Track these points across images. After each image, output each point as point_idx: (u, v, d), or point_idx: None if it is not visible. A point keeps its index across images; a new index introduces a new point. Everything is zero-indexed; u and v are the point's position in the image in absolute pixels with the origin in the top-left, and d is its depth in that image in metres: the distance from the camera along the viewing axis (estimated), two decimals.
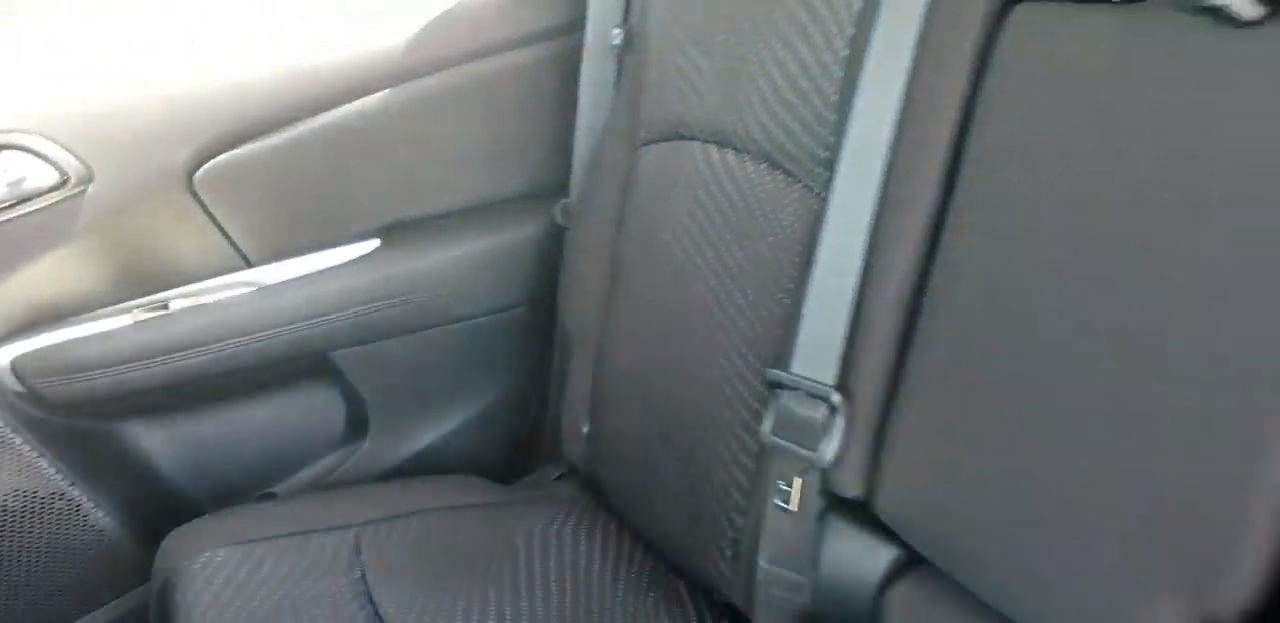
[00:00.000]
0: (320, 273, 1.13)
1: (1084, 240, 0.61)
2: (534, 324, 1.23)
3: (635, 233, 1.01)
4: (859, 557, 0.76)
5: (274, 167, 1.10)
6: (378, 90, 1.11)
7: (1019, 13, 0.67)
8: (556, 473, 1.19)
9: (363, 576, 0.96)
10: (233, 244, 1.13)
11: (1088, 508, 0.60)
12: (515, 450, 1.29)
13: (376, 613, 0.92)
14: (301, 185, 1.13)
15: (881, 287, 0.74)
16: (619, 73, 1.09)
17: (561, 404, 1.16)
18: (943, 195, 0.71)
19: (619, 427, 1.04)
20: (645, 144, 1.00)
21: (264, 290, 1.12)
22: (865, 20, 0.77)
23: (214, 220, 1.11)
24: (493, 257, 1.19)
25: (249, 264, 1.14)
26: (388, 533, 1.02)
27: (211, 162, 1.08)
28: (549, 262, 1.19)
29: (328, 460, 1.22)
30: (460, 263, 1.17)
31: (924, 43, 0.73)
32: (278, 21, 1.12)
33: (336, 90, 1.11)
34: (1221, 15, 0.55)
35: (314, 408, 1.19)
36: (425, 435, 1.22)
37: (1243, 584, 0.53)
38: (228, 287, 1.13)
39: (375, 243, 1.16)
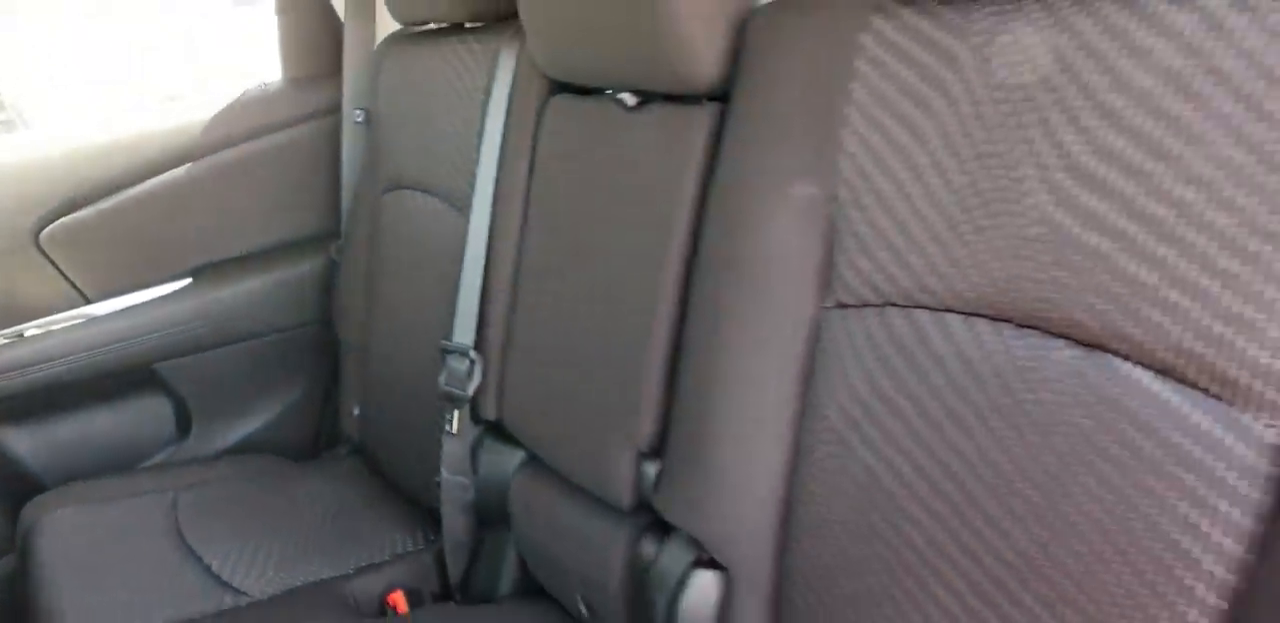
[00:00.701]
0: (144, 303, 1.48)
1: (566, 235, 1.02)
2: (321, 338, 1.59)
3: (384, 261, 1.38)
4: (501, 461, 1.13)
5: (104, 224, 1.45)
6: (185, 162, 1.47)
7: (554, 102, 1.07)
8: (345, 450, 1.54)
9: (178, 524, 1.29)
10: (74, 286, 1.47)
11: (588, 391, 0.98)
12: (316, 437, 1.62)
13: (189, 549, 1.24)
14: (127, 238, 1.47)
15: (496, 277, 1.12)
16: (366, 143, 1.48)
17: (340, 397, 1.51)
18: (523, 214, 1.10)
19: (379, 405, 1.40)
20: (384, 193, 1.38)
21: (99, 318, 1.46)
22: (486, 93, 1.17)
23: (58, 269, 1.45)
24: (284, 286, 1.55)
25: (87, 300, 1.48)
26: (200, 494, 1.35)
27: (54, 223, 1.42)
28: (328, 288, 1.55)
29: (159, 456, 1.54)
30: (256, 292, 1.53)
31: (509, 115, 1.12)
32: (100, 106, 1.47)
33: (152, 162, 1.47)
34: (621, 103, 0.95)
35: (146, 411, 1.52)
36: (239, 431, 1.56)
37: (649, 421, 0.91)
38: (70, 318, 1.46)
39: (188, 280, 1.51)
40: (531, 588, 1.14)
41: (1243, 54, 0.55)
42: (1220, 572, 0.55)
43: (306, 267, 1.56)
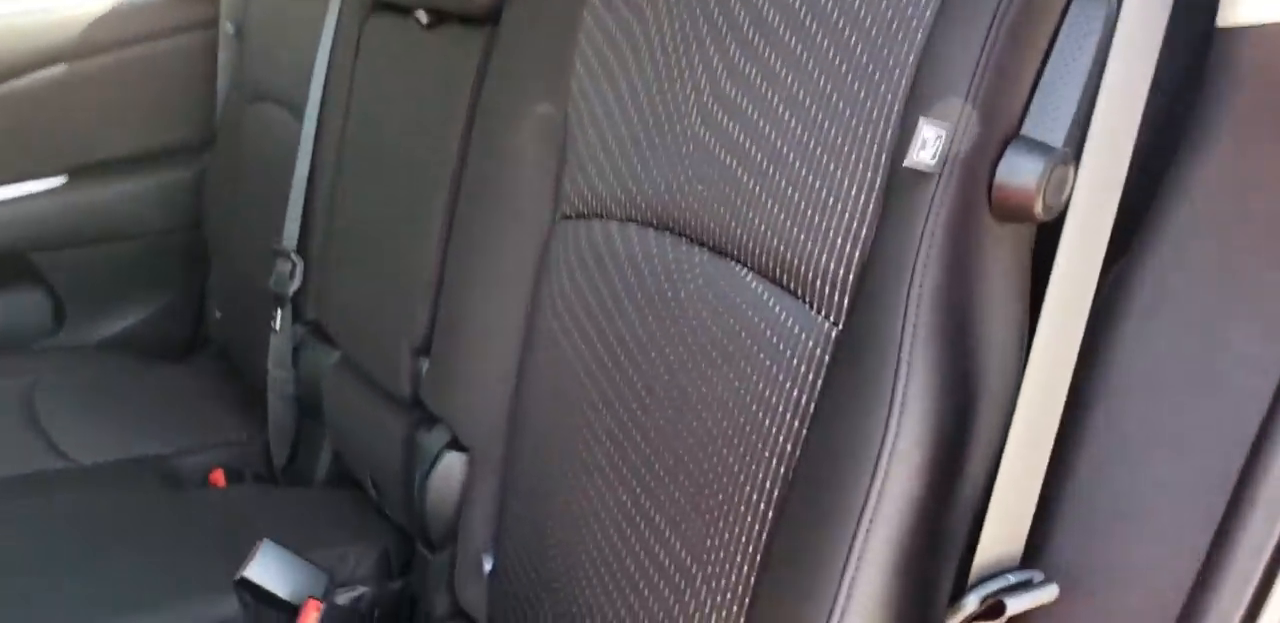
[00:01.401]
0: (20, 197, 1.54)
1: (374, 147, 1.10)
2: (193, 243, 1.66)
3: (242, 170, 1.45)
4: (319, 358, 1.22)
5: None
6: (59, 61, 1.53)
7: (372, 20, 1.14)
8: (210, 352, 1.63)
9: (32, 402, 1.37)
10: None
11: (384, 294, 1.07)
12: (185, 339, 1.71)
13: (36, 422, 1.33)
14: (5, 133, 1.53)
15: (319, 184, 1.20)
16: (237, 55, 1.53)
17: (206, 301, 1.60)
18: (344, 127, 1.17)
19: (233, 308, 1.48)
20: (249, 103, 1.44)
21: None
22: (324, 7, 1.23)
23: None
24: (158, 190, 1.62)
25: None
26: (61, 379, 1.44)
27: None
28: (199, 195, 1.62)
29: (33, 346, 1.62)
30: (130, 194, 1.60)
31: (337, 31, 1.19)
32: None
33: (24, 59, 1.51)
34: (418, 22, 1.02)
35: (22, 300, 1.60)
36: (111, 327, 1.64)
37: (423, 321, 1.01)
38: None
39: (64, 178, 1.58)
40: (343, 475, 1.25)
41: None
42: (783, 441, 0.64)
43: (180, 173, 1.63)
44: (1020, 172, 0.56)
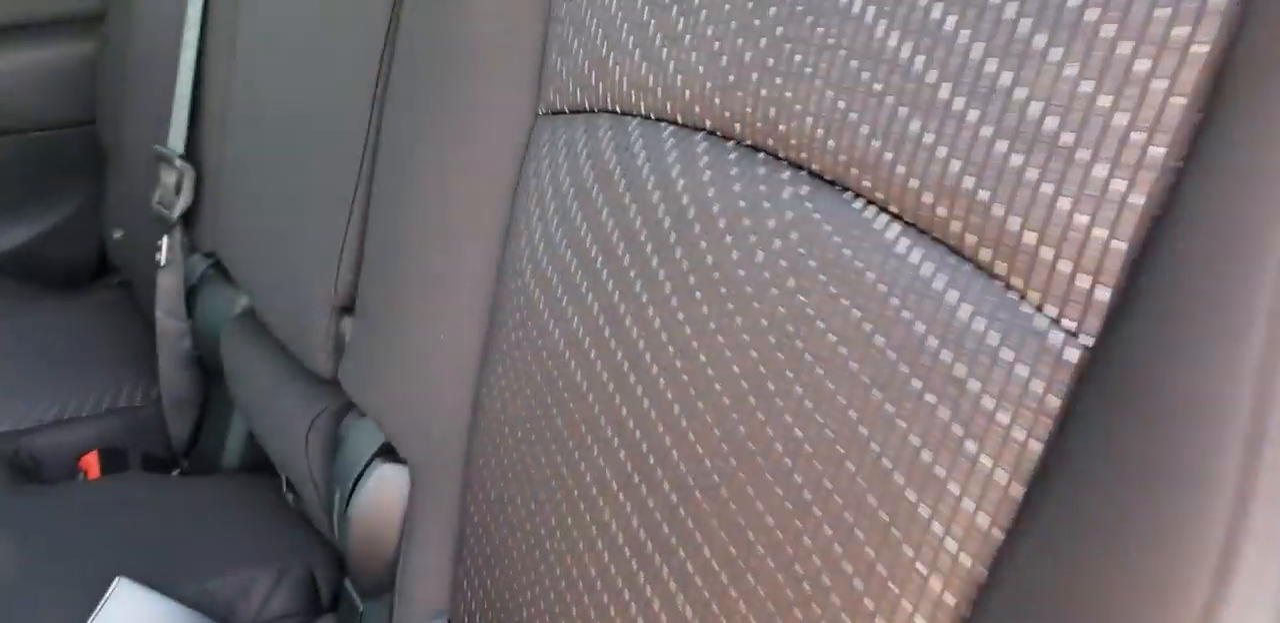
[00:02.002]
0: None
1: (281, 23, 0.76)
2: (94, 143, 1.31)
3: (134, 47, 1.09)
4: (221, 304, 0.89)
5: None
6: None
7: None
8: (115, 280, 1.30)
9: None
10: None
11: (297, 225, 0.74)
12: (89, 263, 1.38)
13: None
14: None
15: (213, 64, 0.85)
16: None
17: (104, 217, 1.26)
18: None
19: (133, 227, 1.14)
20: None
21: None
22: None
23: None
24: (47, 71, 1.25)
25: None
26: None
27: None
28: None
29: None
30: (11, 75, 1.23)
31: None
32: None
33: None
34: None
35: None
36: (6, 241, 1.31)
37: (348, 268, 0.68)
38: None
39: None
40: (261, 461, 0.94)
41: None
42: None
43: (73, 50, 1.25)
44: None
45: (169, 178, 0.88)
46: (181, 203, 0.86)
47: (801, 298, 0.37)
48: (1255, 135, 0.28)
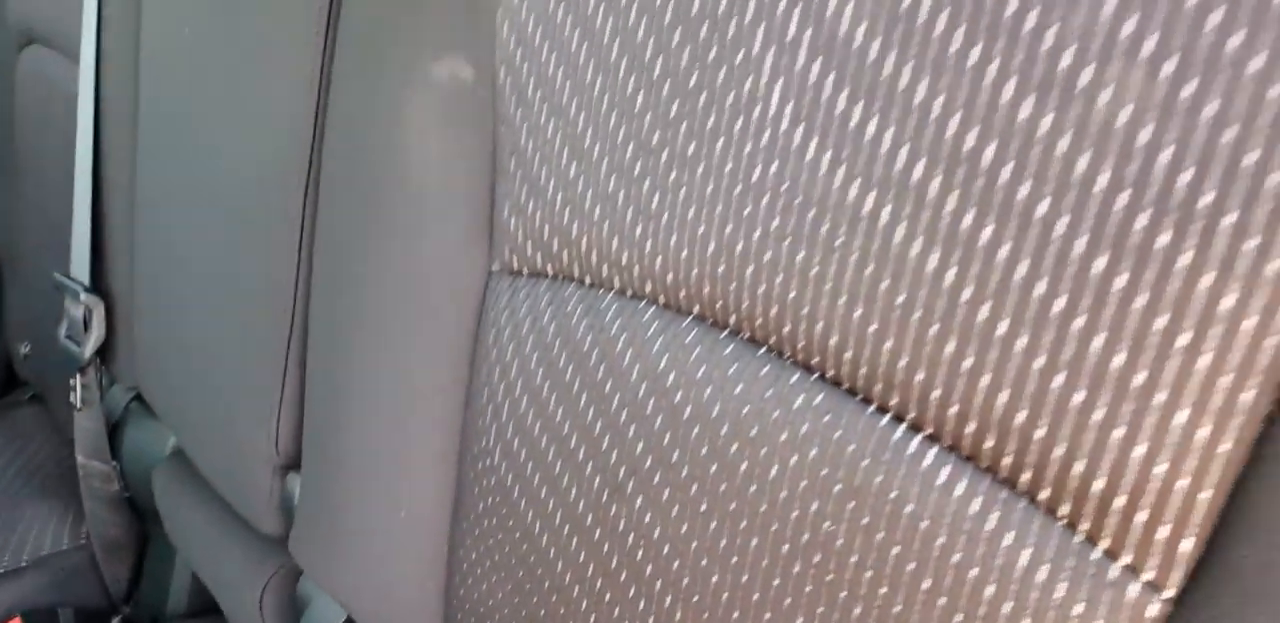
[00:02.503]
0: None
1: (185, 130, 0.70)
2: None
3: (20, 144, 1.01)
4: (150, 442, 0.82)
5: None
6: None
7: None
8: (26, 396, 1.21)
9: None
10: None
11: (225, 360, 0.67)
12: None
13: None
14: None
15: (112, 177, 0.78)
16: None
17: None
18: (135, 95, 0.75)
19: (44, 344, 1.06)
20: (19, 50, 0.99)
21: None
22: None
23: None
24: None
25: None
26: None
27: None
28: None
29: None
30: None
31: None
32: None
33: None
34: None
35: None
36: None
37: (288, 420, 0.62)
38: None
39: None
40: (209, 605, 0.86)
41: None
42: None
43: None
44: None
45: (75, 310, 0.80)
46: (93, 341, 0.79)
47: (829, 525, 0.33)
48: None
